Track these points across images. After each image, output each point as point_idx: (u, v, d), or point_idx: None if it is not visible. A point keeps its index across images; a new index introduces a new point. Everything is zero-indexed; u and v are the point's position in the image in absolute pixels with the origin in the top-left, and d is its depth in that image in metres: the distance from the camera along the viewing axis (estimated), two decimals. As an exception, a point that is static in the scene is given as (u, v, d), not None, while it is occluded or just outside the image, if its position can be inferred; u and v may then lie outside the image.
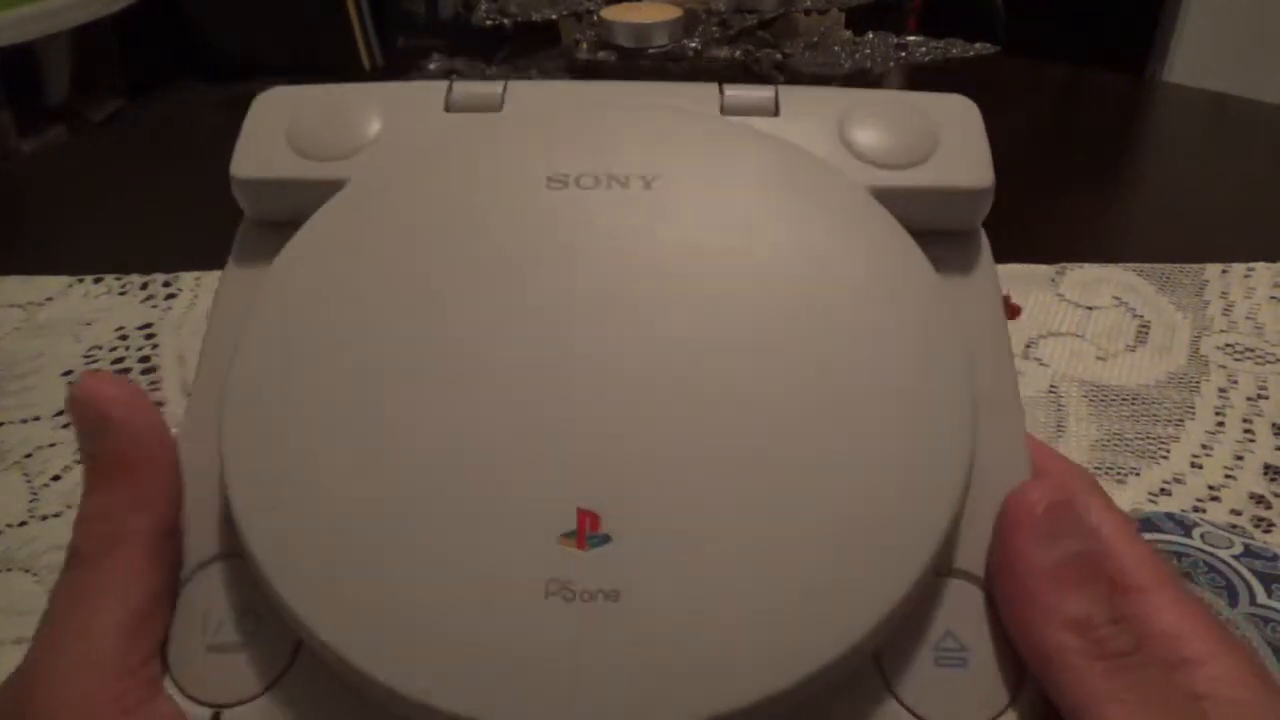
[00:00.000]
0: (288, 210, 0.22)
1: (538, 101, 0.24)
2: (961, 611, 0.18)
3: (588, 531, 0.17)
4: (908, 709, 0.18)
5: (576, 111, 0.23)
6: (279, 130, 0.23)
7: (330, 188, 0.22)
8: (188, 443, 0.20)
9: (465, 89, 0.23)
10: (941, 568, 0.19)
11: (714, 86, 0.24)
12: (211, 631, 0.18)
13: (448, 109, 0.23)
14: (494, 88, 0.24)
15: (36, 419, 0.43)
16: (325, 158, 0.22)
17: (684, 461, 0.18)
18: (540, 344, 0.19)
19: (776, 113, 0.23)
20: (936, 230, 0.22)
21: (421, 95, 0.24)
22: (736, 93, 0.24)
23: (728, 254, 0.21)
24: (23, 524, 0.38)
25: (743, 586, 0.17)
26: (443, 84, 0.24)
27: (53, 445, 0.42)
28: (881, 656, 0.18)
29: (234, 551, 0.19)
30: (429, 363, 0.19)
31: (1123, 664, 0.17)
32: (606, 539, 0.17)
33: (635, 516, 0.17)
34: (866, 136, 0.23)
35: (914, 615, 0.18)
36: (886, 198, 0.22)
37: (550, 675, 0.16)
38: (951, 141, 0.23)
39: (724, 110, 0.24)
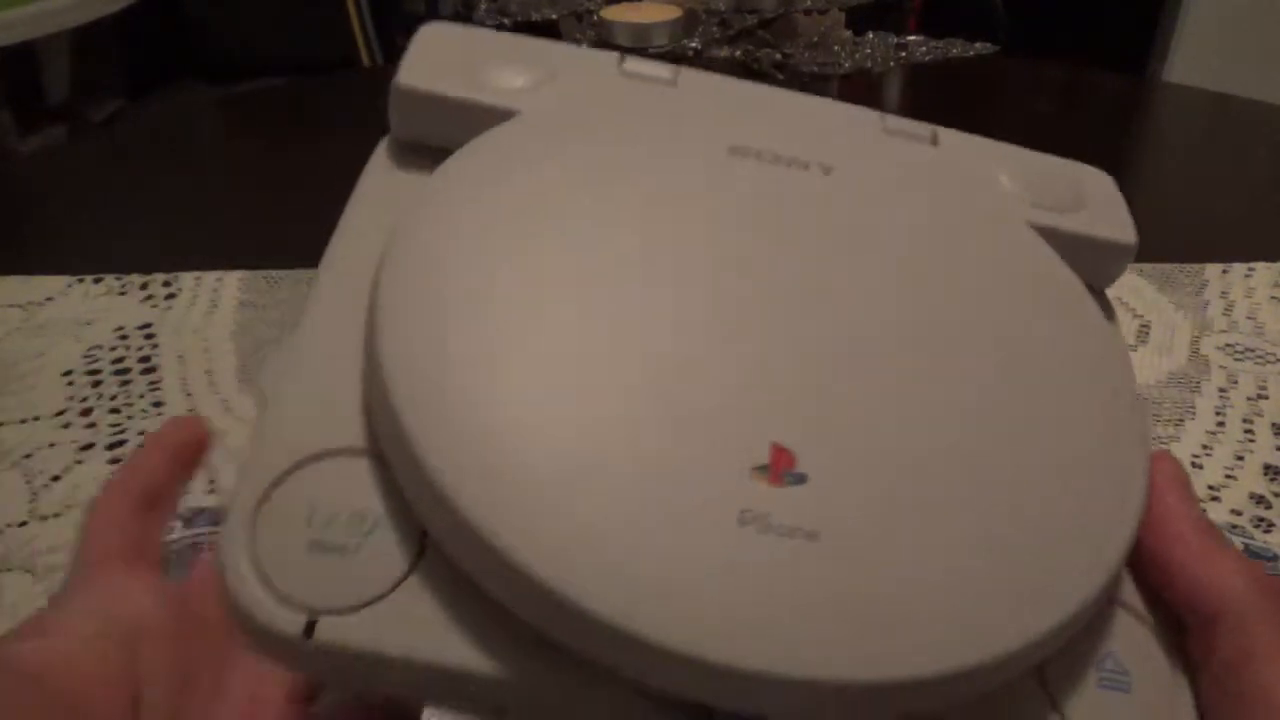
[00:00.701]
0: (443, 134, 0.21)
1: (711, 86, 0.24)
2: (1124, 639, 0.19)
3: (783, 468, 0.17)
4: None
5: (757, 97, 0.24)
6: (450, 55, 0.22)
7: (500, 116, 0.21)
8: (308, 331, 0.19)
9: (639, 64, 0.23)
10: (1112, 594, 0.19)
11: (876, 112, 0.24)
12: (317, 528, 0.16)
13: (620, 74, 0.23)
14: (667, 69, 0.23)
15: (36, 419, 0.43)
16: (498, 88, 0.22)
17: (888, 418, 0.18)
18: (741, 288, 0.19)
19: (935, 143, 0.24)
20: None
21: (596, 58, 0.23)
22: (897, 121, 0.24)
23: (914, 240, 0.21)
24: (23, 524, 0.38)
25: (939, 555, 0.16)
26: (614, 54, 0.24)
27: (53, 445, 0.42)
28: (1045, 673, 0.18)
29: (347, 449, 0.17)
30: (616, 280, 0.18)
31: None
32: (803, 478, 0.17)
33: (835, 462, 0.17)
34: (1020, 177, 0.23)
35: (1080, 639, 0.18)
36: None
37: (742, 605, 0.15)
38: (1097, 200, 0.24)
39: (886, 132, 0.24)
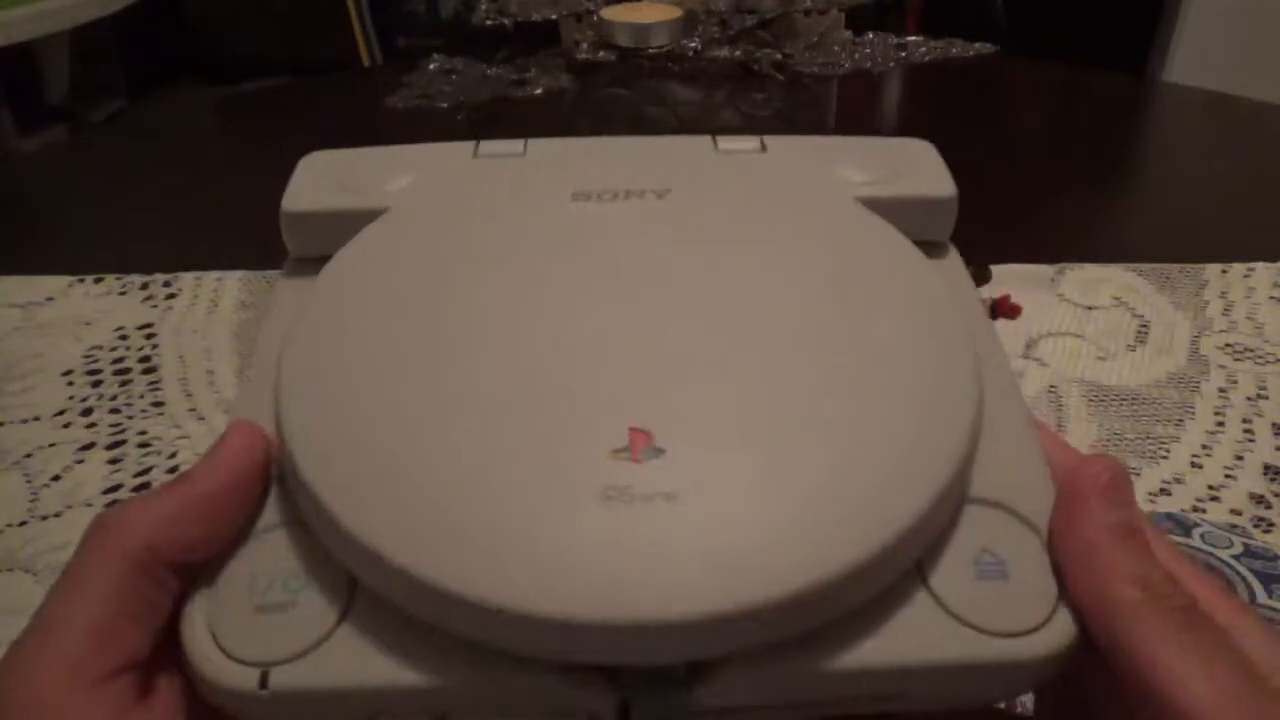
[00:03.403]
0: (331, 243, 0.24)
1: (556, 149, 0.27)
2: (992, 531, 0.20)
3: (641, 447, 0.19)
4: (957, 618, 0.18)
5: (598, 148, 0.27)
6: (325, 177, 0.26)
7: (373, 216, 0.24)
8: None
9: (491, 145, 0.27)
10: (965, 495, 0.20)
11: (708, 137, 0.28)
12: (259, 593, 0.19)
13: (475, 157, 0.27)
14: (518, 144, 0.27)
15: (36, 419, 0.43)
16: (368, 192, 0.25)
17: (728, 386, 0.20)
18: (583, 306, 0.22)
19: (764, 150, 0.27)
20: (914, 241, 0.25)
21: (452, 150, 0.27)
22: (728, 141, 0.28)
23: (744, 235, 0.24)
24: (23, 524, 0.38)
25: (794, 490, 0.18)
26: (469, 144, 0.27)
27: (53, 445, 0.42)
28: (927, 575, 0.19)
29: (278, 524, 0.20)
30: (481, 325, 0.21)
31: (1186, 619, 0.18)
32: (660, 451, 0.19)
33: (685, 433, 0.19)
34: (844, 162, 0.26)
35: (950, 539, 0.20)
36: (868, 208, 0.25)
37: (618, 567, 0.17)
38: (916, 166, 0.27)
39: (717, 152, 0.27)
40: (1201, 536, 0.35)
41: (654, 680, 0.17)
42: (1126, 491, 0.20)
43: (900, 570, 0.19)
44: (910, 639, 0.18)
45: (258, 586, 0.19)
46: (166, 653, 0.20)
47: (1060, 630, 0.19)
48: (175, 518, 0.19)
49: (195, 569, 0.19)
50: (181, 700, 0.20)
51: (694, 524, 0.18)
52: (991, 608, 0.19)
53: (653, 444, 0.19)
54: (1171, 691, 0.17)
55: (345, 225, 0.24)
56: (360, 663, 0.18)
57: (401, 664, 0.18)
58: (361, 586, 0.19)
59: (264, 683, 0.18)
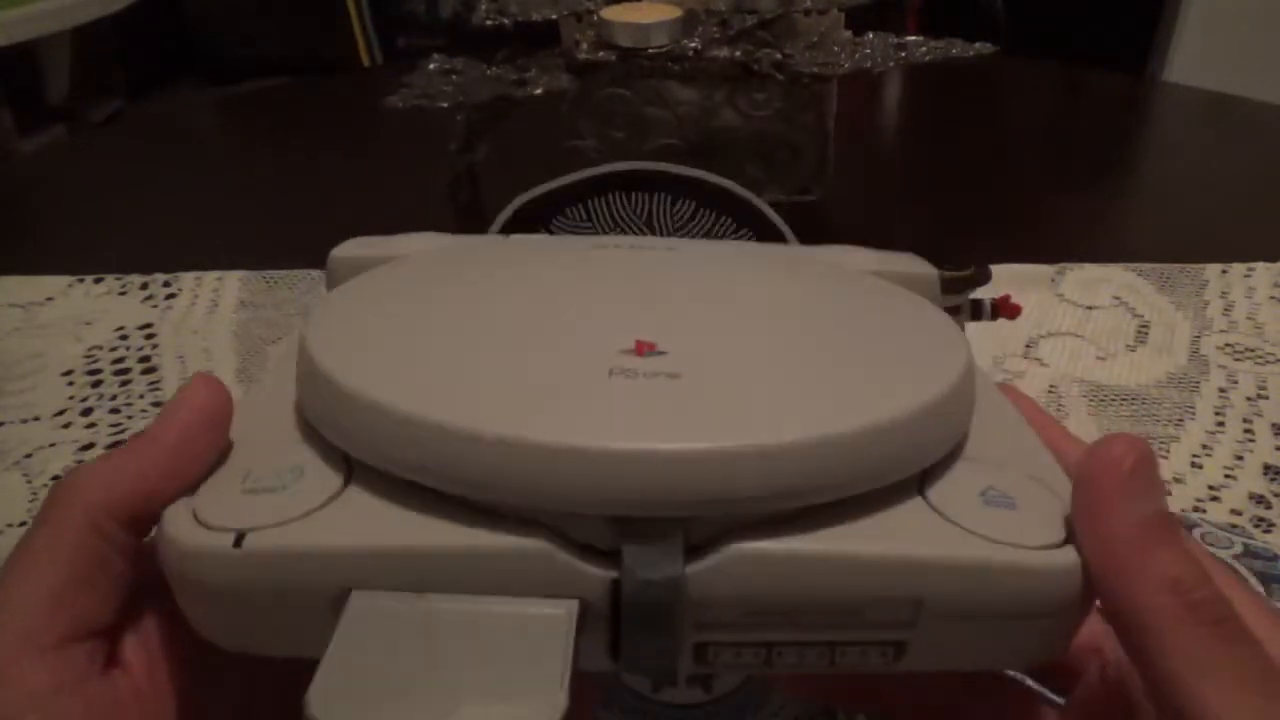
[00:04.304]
0: None
1: (582, 237, 0.32)
2: (997, 476, 0.20)
3: (646, 349, 0.20)
4: (965, 529, 0.18)
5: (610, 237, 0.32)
6: (368, 243, 0.30)
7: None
8: (256, 394, 0.23)
9: (520, 236, 0.32)
10: (964, 452, 0.21)
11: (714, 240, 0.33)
12: (252, 480, 0.19)
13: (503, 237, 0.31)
14: (543, 236, 0.32)
15: (36, 419, 0.43)
16: (404, 247, 0.29)
17: (733, 322, 0.23)
18: (596, 288, 0.25)
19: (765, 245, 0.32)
20: None
21: (485, 236, 0.31)
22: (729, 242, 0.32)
23: (753, 262, 0.28)
24: (23, 524, 0.38)
25: (793, 375, 0.20)
26: (499, 235, 0.31)
27: (53, 445, 0.42)
28: (932, 497, 0.19)
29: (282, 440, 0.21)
30: (500, 289, 0.24)
31: (1219, 632, 0.16)
32: (664, 353, 0.20)
33: (691, 343, 0.21)
34: (838, 252, 0.30)
35: (954, 474, 0.20)
36: None
37: (610, 411, 0.18)
38: (902, 259, 0.30)
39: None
40: (1201, 536, 0.35)
41: (647, 557, 0.17)
42: (1154, 476, 0.18)
43: (899, 469, 0.19)
44: (916, 541, 0.18)
45: (252, 476, 0.19)
46: (136, 626, 0.20)
47: (1074, 556, 0.18)
48: (130, 472, 0.19)
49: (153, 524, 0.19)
50: (153, 676, 0.19)
51: (695, 392, 0.19)
52: (999, 526, 0.18)
53: (656, 349, 0.20)
54: (1190, 712, 0.15)
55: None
56: (340, 530, 0.18)
57: (383, 531, 0.18)
58: (354, 477, 0.19)
59: (238, 542, 0.17)
